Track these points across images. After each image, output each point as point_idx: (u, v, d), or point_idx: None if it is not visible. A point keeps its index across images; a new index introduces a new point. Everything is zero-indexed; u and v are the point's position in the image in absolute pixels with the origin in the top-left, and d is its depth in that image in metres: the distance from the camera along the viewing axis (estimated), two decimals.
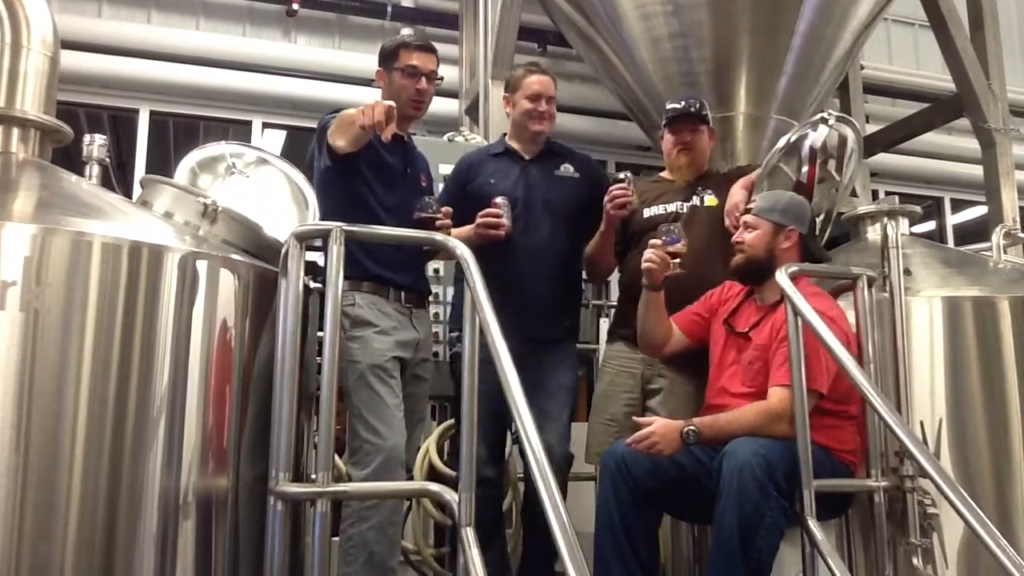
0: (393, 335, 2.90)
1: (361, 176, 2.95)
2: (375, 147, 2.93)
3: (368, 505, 2.71)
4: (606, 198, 3.17)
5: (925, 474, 2.32)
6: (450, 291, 4.12)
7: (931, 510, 2.74)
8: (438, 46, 3.20)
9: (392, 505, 2.80)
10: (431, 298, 3.32)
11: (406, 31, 3.22)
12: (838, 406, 2.72)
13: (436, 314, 3.99)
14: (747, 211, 2.95)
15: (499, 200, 3.13)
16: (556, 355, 3.33)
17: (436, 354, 3.52)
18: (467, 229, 3.09)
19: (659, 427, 2.62)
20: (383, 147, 2.98)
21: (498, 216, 3.10)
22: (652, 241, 2.89)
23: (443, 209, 2.88)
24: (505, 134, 3.55)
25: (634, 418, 2.78)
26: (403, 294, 2.98)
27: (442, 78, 3.18)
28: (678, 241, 2.88)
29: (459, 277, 2.94)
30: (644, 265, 2.88)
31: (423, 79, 3.05)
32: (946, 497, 2.15)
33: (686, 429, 2.60)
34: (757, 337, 2.81)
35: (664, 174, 3.48)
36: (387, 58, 3.10)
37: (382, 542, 2.72)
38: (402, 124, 3.10)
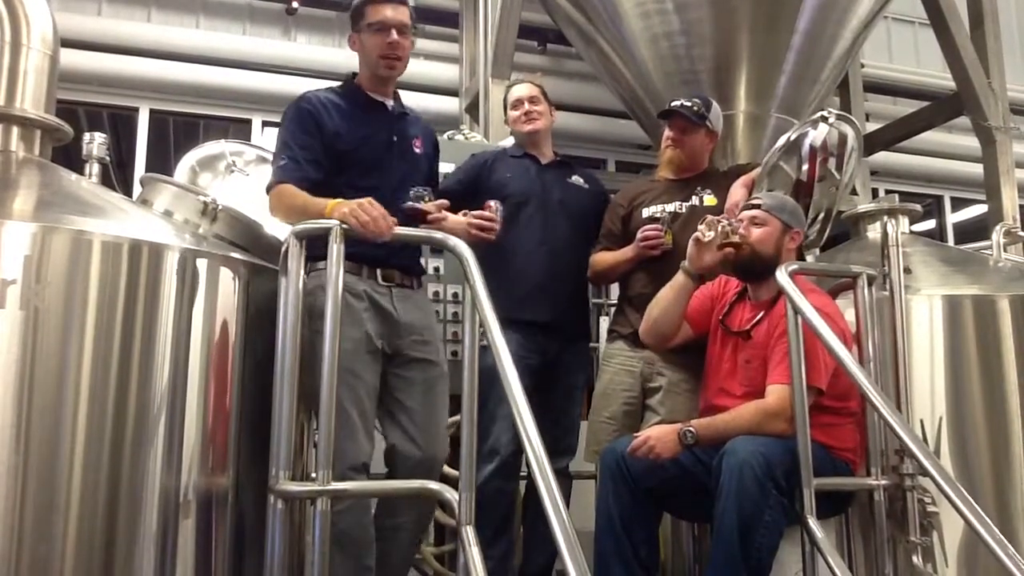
0: (364, 325, 2.63)
1: (331, 165, 2.75)
2: (339, 132, 2.76)
3: (339, 508, 2.46)
4: (639, 234, 3.22)
5: (925, 472, 2.31)
6: (451, 289, 4.12)
7: (931, 508, 2.74)
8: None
9: (362, 507, 2.59)
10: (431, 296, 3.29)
11: None
12: (838, 403, 2.72)
13: (436, 312, 3.99)
14: (751, 206, 2.92)
15: (492, 203, 3.05)
16: (575, 355, 3.46)
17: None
18: (460, 225, 2.89)
19: (656, 431, 2.62)
20: (356, 121, 2.81)
21: (492, 219, 2.99)
22: (713, 218, 2.84)
23: (438, 202, 2.76)
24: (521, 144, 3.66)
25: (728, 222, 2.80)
26: (379, 271, 2.71)
27: (415, 28, 2.94)
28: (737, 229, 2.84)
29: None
30: (695, 235, 2.83)
31: (393, 32, 2.80)
32: (946, 496, 2.15)
33: (683, 431, 2.60)
34: (755, 335, 2.81)
35: (663, 173, 3.48)
36: (355, 18, 2.87)
37: (354, 542, 2.55)
38: (381, 86, 2.92)
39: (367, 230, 2.32)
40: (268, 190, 2.72)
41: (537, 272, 3.35)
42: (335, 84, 2.98)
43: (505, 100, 3.67)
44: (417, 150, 2.96)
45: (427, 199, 2.73)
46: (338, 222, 2.29)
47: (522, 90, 3.58)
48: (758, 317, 2.83)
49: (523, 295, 3.29)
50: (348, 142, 2.78)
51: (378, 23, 2.81)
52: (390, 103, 2.94)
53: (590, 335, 3.74)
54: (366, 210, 2.34)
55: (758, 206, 2.91)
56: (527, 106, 3.53)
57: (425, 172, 3.01)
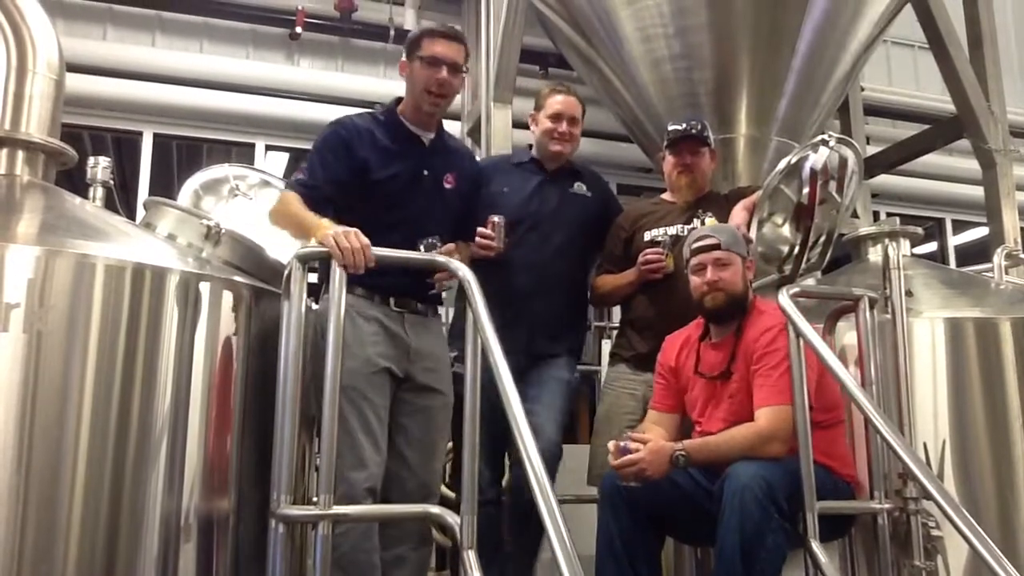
0: (373, 347, 2.66)
1: (357, 199, 2.79)
2: (369, 161, 2.80)
3: (338, 532, 2.43)
4: (640, 258, 3.21)
5: (929, 496, 2.31)
6: (450, 311, 4.12)
7: (935, 532, 2.72)
8: None
9: (362, 530, 2.57)
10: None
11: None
12: (827, 415, 2.73)
13: None
14: (710, 247, 2.87)
15: (496, 219, 3.07)
16: (555, 367, 3.32)
17: None
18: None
19: (648, 452, 2.58)
20: (388, 154, 2.84)
21: (491, 237, 3.04)
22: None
23: (447, 247, 2.74)
24: (531, 145, 3.56)
25: (628, 433, 2.70)
26: (392, 299, 2.75)
27: (467, 70, 2.95)
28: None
29: (458, 296, 2.93)
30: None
31: (444, 69, 2.82)
32: (950, 519, 2.14)
33: (676, 453, 2.57)
34: (735, 370, 2.79)
35: (665, 196, 3.49)
36: (411, 47, 2.89)
37: (356, 567, 2.54)
38: (423, 121, 2.92)
39: (345, 260, 2.28)
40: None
41: (517, 297, 3.21)
42: (377, 108, 2.98)
43: (539, 101, 3.46)
44: (448, 185, 2.95)
45: (437, 247, 2.71)
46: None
47: (567, 105, 3.41)
48: (731, 353, 2.81)
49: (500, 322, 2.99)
50: (376, 173, 2.80)
51: (430, 57, 2.82)
52: (429, 136, 2.94)
53: (579, 350, 3.57)
54: (350, 240, 2.30)
55: (717, 246, 2.86)
56: (566, 126, 3.38)
57: (455, 209, 2.99)
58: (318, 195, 2.75)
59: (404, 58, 2.92)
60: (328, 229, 2.38)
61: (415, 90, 2.88)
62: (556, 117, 3.39)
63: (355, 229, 2.36)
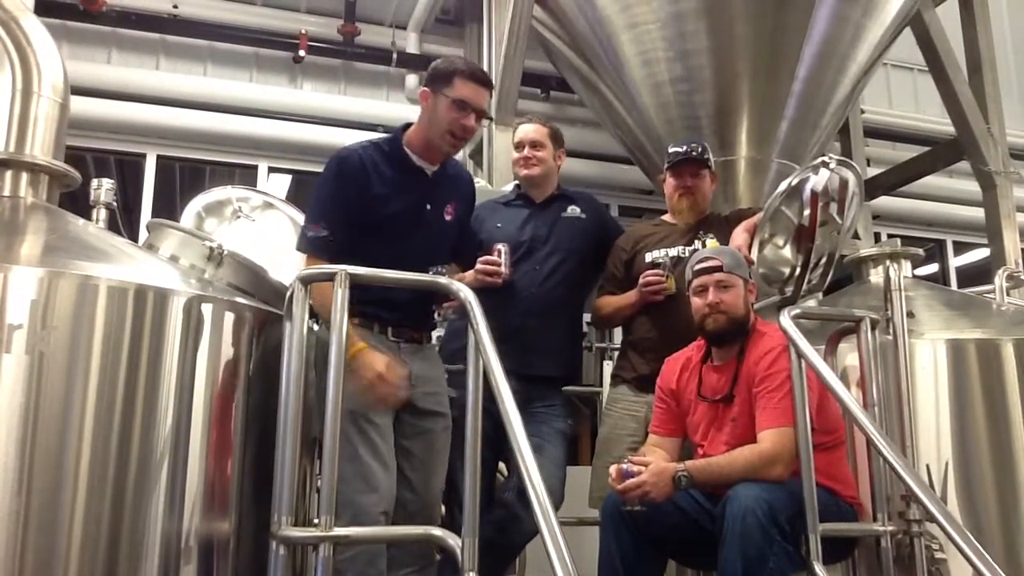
0: None
1: (360, 235, 2.73)
2: (378, 197, 2.75)
3: (344, 557, 2.44)
4: (641, 280, 3.22)
5: (932, 518, 2.30)
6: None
7: (938, 555, 2.71)
8: None
9: (369, 557, 2.53)
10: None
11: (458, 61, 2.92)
12: (828, 436, 2.72)
13: None
14: (712, 269, 2.88)
15: (500, 247, 3.11)
16: (549, 399, 3.31)
17: None
18: (468, 274, 3.05)
19: (650, 474, 2.57)
20: (394, 188, 2.78)
21: (496, 264, 3.07)
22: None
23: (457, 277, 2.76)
24: (518, 184, 3.63)
25: (629, 458, 2.70)
26: (390, 329, 2.75)
27: (491, 119, 2.92)
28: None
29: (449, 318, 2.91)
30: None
31: (472, 116, 2.76)
32: (953, 541, 2.13)
33: (678, 474, 2.57)
34: (738, 393, 2.79)
35: (666, 217, 3.50)
36: (438, 80, 2.78)
37: None
38: (432, 157, 2.85)
39: (377, 391, 2.47)
40: (300, 250, 2.74)
41: (511, 321, 3.15)
42: (382, 137, 2.92)
43: (514, 137, 3.58)
44: (448, 217, 2.92)
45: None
46: (343, 267, 2.28)
47: (527, 132, 3.50)
48: (733, 376, 2.81)
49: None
50: (382, 210, 2.76)
51: (460, 101, 2.74)
52: (432, 169, 2.88)
53: (573, 376, 3.58)
54: (391, 373, 2.49)
55: (719, 268, 2.86)
56: (527, 151, 3.46)
57: (453, 238, 2.98)
58: (335, 248, 2.66)
59: (426, 87, 2.81)
60: (367, 352, 2.49)
61: (436, 129, 2.79)
62: (518, 146, 3.50)
63: (392, 362, 2.54)
